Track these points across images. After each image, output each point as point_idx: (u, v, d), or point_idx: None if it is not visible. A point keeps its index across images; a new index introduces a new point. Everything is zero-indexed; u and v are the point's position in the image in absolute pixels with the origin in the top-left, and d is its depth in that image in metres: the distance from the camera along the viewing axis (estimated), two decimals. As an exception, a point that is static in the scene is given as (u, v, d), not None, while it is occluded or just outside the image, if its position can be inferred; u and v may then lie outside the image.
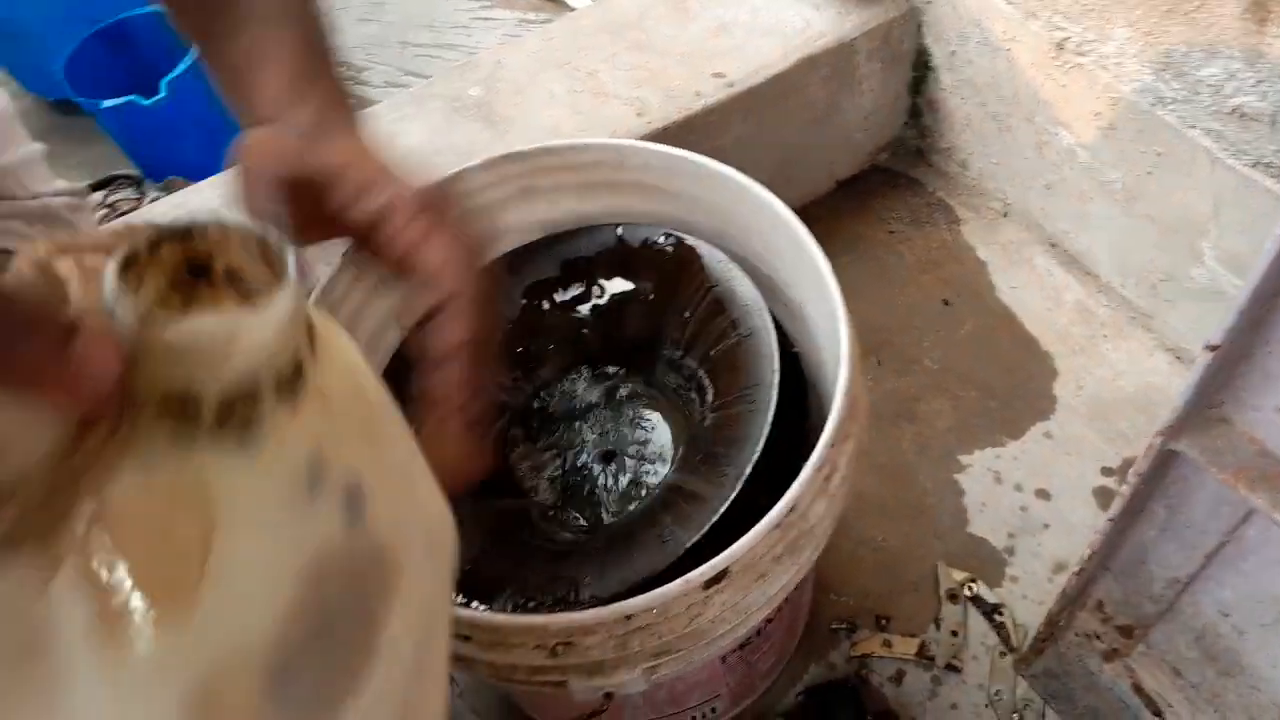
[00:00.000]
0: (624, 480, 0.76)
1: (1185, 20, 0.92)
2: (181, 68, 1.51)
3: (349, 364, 0.31)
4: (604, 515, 0.74)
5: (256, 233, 0.27)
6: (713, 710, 0.89)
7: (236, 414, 0.25)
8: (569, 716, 0.70)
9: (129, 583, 0.22)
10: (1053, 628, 0.85)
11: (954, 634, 0.99)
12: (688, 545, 0.60)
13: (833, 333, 0.64)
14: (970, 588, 1.02)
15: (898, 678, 0.98)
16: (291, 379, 0.26)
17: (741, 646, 0.78)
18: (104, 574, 0.22)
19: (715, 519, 0.60)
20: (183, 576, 0.23)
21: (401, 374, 0.78)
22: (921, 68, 1.29)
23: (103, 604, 0.22)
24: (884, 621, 1.02)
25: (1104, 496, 1.06)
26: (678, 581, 0.54)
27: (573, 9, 1.65)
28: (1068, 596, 0.79)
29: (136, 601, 0.22)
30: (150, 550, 0.23)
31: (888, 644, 1.00)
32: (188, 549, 0.24)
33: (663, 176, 0.79)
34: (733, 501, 0.61)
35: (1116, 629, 0.80)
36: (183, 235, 0.26)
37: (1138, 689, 0.82)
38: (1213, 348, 0.51)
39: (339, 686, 0.27)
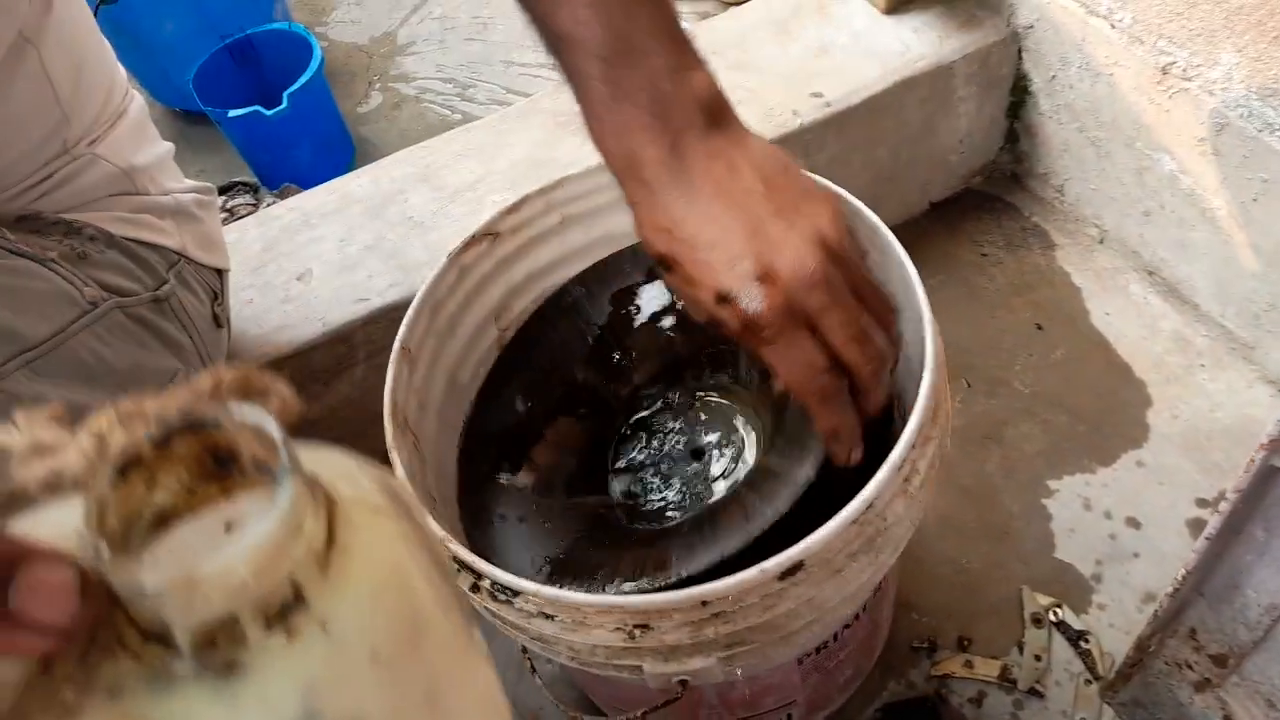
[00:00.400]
0: (714, 473, 0.78)
1: (1296, 46, 0.91)
2: (302, 80, 1.59)
3: (391, 562, 0.26)
4: (694, 504, 0.77)
5: (251, 421, 0.24)
6: (789, 718, 0.90)
7: (218, 649, 0.22)
8: (642, 707, 0.71)
9: None
10: (1142, 654, 0.84)
11: (1037, 658, 0.98)
12: (773, 519, 0.61)
13: (918, 338, 0.66)
14: (1055, 613, 1.01)
15: (978, 699, 0.98)
16: (284, 610, 0.23)
17: (818, 651, 0.79)
18: None
19: (799, 492, 0.62)
20: None
21: (498, 376, 0.82)
22: (1020, 92, 1.29)
23: None
24: (966, 642, 1.01)
25: (1197, 528, 1.04)
26: (753, 570, 0.55)
27: (671, 31, 1.69)
28: (1159, 621, 0.78)
29: None
30: None
31: (969, 665, 0.99)
32: None
33: None
34: (820, 485, 0.62)
35: (1209, 657, 0.79)
36: (193, 426, 0.23)
37: (1229, 720, 0.80)
38: (1317, 362, 0.51)
39: None
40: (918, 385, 0.62)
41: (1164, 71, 1.06)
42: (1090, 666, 0.97)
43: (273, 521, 0.22)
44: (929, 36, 1.21)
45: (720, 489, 0.77)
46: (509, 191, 1.09)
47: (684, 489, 0.78)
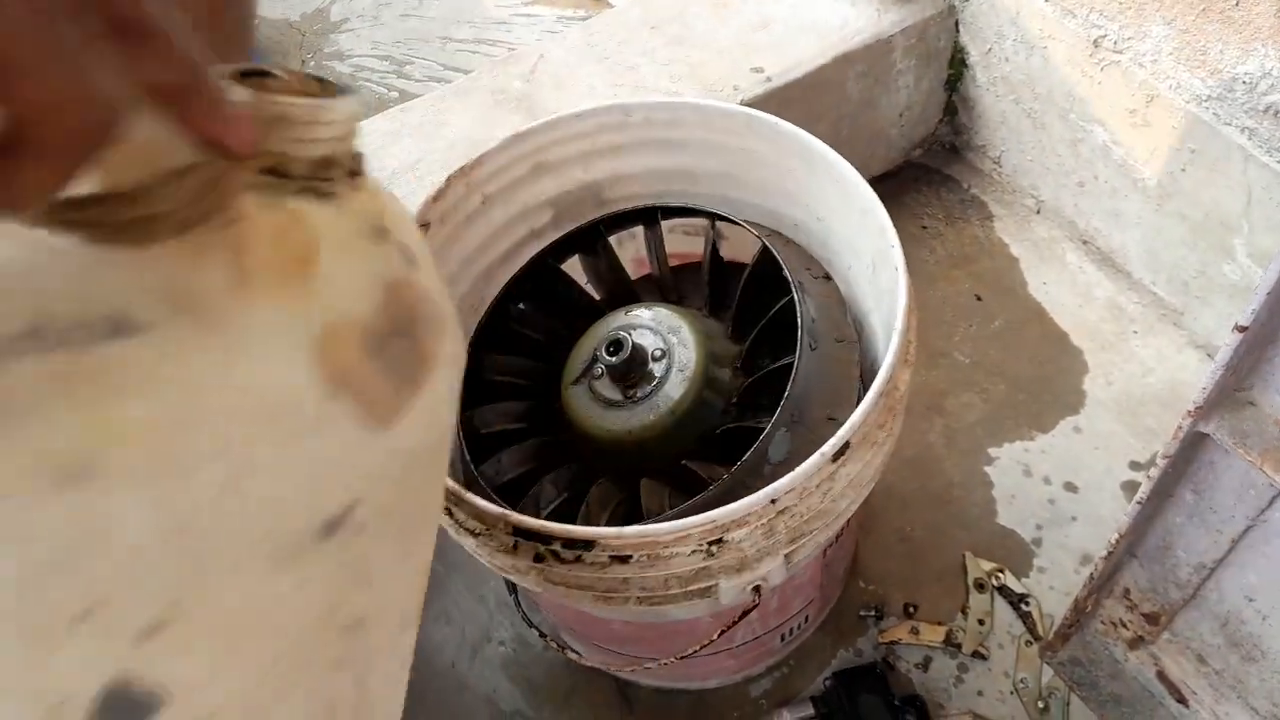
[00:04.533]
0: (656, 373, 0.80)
1: (1221, 18, 0.93)
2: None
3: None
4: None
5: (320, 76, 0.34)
6: (805, 619, 0.94)
7: (317, 179, 0.32)
8: (688, 645, 0.75)
9: (263, 257, 0.30)
10: (1079, 614, 0.86)
11: (981, 622, 1.01)
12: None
13: (889, 265, 0.71)
14: (997, 577, 1.03)
15: (925, 664, 1.00)
16: (353, 165, 0.34)
17: (832, 543, 0.83)
18: (242, 252, 0.29)
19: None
20: (300, 262, 0.31)
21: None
22: (957, 65, 1.30)
23: (242, 268, 0.29)
24: (912, 609, 1.03)
25: (1132, 490, 1.07)
26: (814, 456, 0.60)
27: (613, 5, 1.68)
28: (1095, 582, 0.81)
29: (266, 268, 0.30)
30: (275, 243, 0.30)
31: (915, 631, 1.01)
32: (300, 248, 0.31)
33: (665, 129, 0.83)
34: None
35: (1142, 616, 0.81)
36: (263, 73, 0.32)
37: (1162, 676, 0.83)
38: (1241, 329, 0.52)
39: (414, 370, 0.35)
40: (892, 292, 0.69)
41: (1095, 44, 1.08)
42: (1031, 628, 1.00)
43: (350, 103, 0.31)
44: (867, 10, 1.22)
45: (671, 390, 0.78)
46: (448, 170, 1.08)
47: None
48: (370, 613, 0.37)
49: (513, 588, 0.85)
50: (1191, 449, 0.63)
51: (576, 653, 0.88)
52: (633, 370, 0.76)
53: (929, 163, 1.42)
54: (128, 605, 0.27)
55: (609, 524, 0.67)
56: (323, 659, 0.35)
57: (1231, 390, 0.58)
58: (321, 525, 0.32)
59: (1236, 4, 0.90)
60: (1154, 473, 0.65)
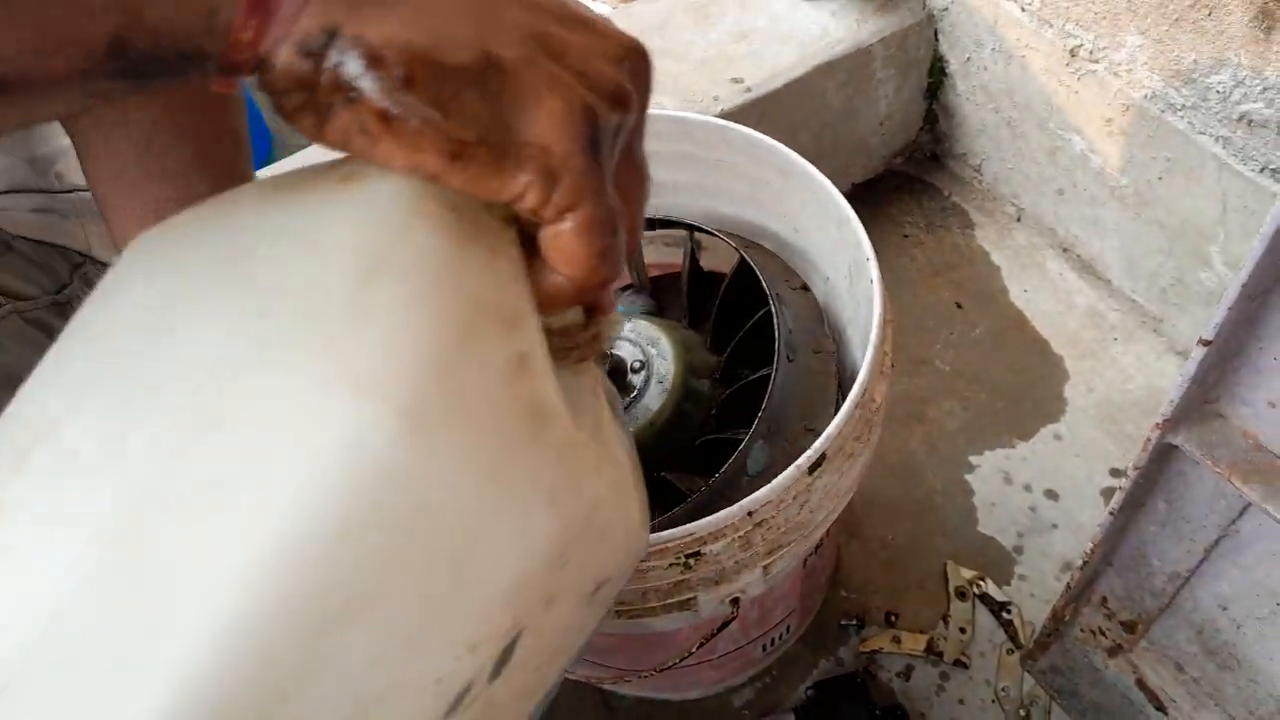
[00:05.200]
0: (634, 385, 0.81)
1: (1195, 29, 0.93)
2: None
3: None
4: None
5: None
6: (787, 629, 0.94)
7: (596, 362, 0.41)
8: (672, 654, 0.76)
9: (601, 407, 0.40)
10: (1058, 623, 0.86)
11: (962, 631, 1.01)
12: None
13: (864, 276, 0.72)
14: (979, 585, 1.04)
15: (906, 673, 1.00)
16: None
17: (812, 553, 0.84)
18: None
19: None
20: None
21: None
22: (937, 74, 1.31)
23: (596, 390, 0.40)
24: (893, 618, 1.03)
25: (1112, 497, 1.08)
26: (789, 469, 0.60)
27: (594, 15, 1.68)
28: (1072, 591, 0.81)
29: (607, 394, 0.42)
30: (585, 399, 0.38)
31: (896, 640, 1.02)
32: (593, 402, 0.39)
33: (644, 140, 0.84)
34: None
35: (1120, 624, 0.82)
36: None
37: (1141, 684, 0.83)
38: (1206, 342, 0.53)
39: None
40: (869, 303, 0.70)
41: (1072, 54, 1.08)
42: (1013, 636, 1.00)
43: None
44: (847, 20, 1.22)
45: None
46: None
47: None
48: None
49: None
50: (1162, 460, 0.63)
51: (557, 665, 0.88)
52: (612, 382, 0.76)
53: (910, 171, 1.43)
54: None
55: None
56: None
57: (1200, 403, 0.59)
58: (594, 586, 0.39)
59: (1209, 14, 0.91)
60: (1126, 483, 0.66)
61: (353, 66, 0.28)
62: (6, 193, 0.73)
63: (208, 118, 0.62)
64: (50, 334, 0.73)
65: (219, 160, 0.63)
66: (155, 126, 0.60)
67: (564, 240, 0.33)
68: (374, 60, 0.29)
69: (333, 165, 0.33)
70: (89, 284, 0.79)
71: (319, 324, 0.29)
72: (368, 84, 0.29)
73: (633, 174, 0.36)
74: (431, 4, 0.30)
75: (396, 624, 0.30)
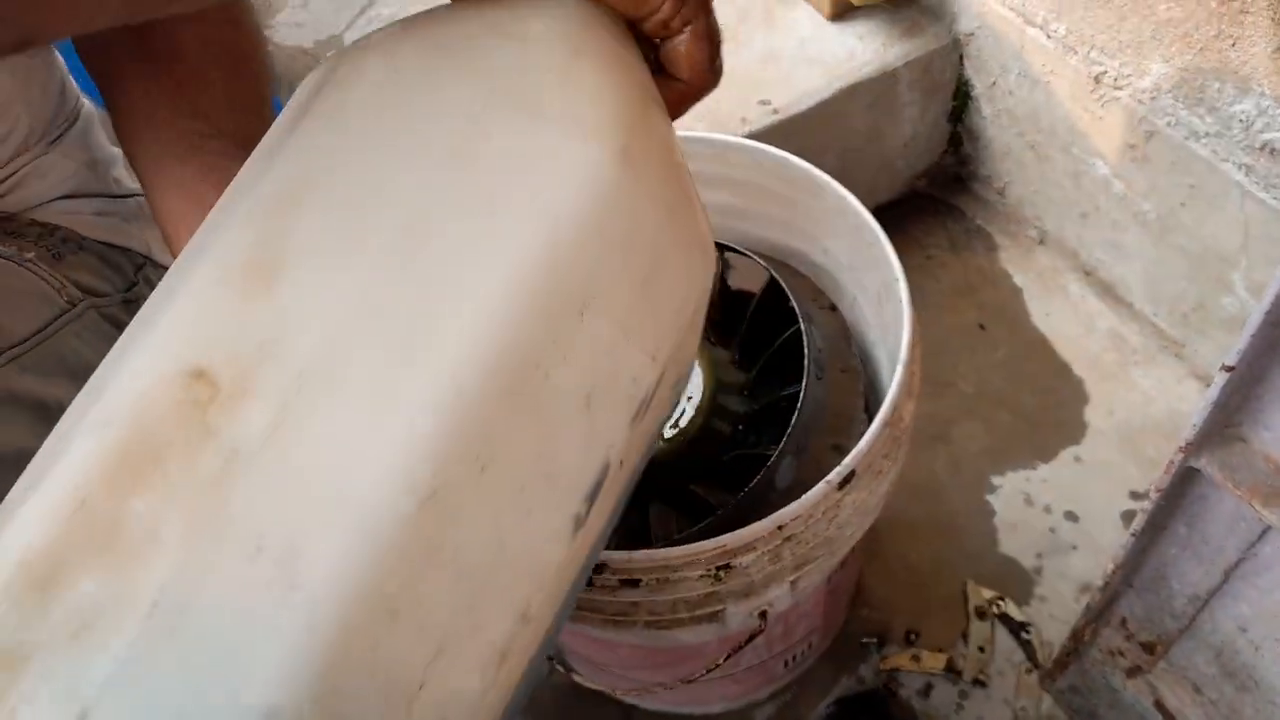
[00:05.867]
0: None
1: (1219, 58, 0.95)
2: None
3: None
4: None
5: None
6: (809, 646, 0.95)
7: None
8: (698, 667, 0.77)
9: None
10: (1077, 643, 0.87)
11: (981, 650, 1.02)
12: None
13: (894, 298, 0.73)
14: (998, 605, 1.05)
15: (925, 691, 1.01)
16: None
17: (837, 570, 0.83)
18: None
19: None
20: None
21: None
22: (962, 97, 1.33)
23: None
24: (913, 636, 1.04)
25: (1132, 520, 1.08)
26: (819, 485, 0.62)
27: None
28: (1092, 612, 0.82)
29: None
30: None
31: (916, 658, 1.03)
32: None
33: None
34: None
35: (1139, 645, 0.83)
36: None
37: (1159, 706, 0.84)
38: (1229, 369, 0.54)
39: None
40: (897, 323, 0.72)
41: (1097, 80, 1.10)
42: (1031, 656, 1.01)
43: None
44: (873, 43, 1.24)
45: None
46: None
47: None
48: None
49: (520, 610, 0.86)
50: (1183, 483, 0.64)
51: (581, 676, 0.90)
52: None
53: (934, 193, 1.44)
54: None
55: (618, 549, 0.69)
56: None
57: (1221, 427, 0.60)
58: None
59: (1233, 44, 0.93)
60: (1147, 506, 0.67)
61: None
62: (71, 197, 0.76)
63: (234, 57, 0.66)
64: (121, 329, 0.76)
65: (248, 94, 0.66)
66: (187, 68, 0.64)
67: (690, 46, 0.42)
68: None
69: None
70: (151, 284, 0.82)
71: (543, 88, 0.37)
72: None
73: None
74: None
75: (617, 320, 0.37)
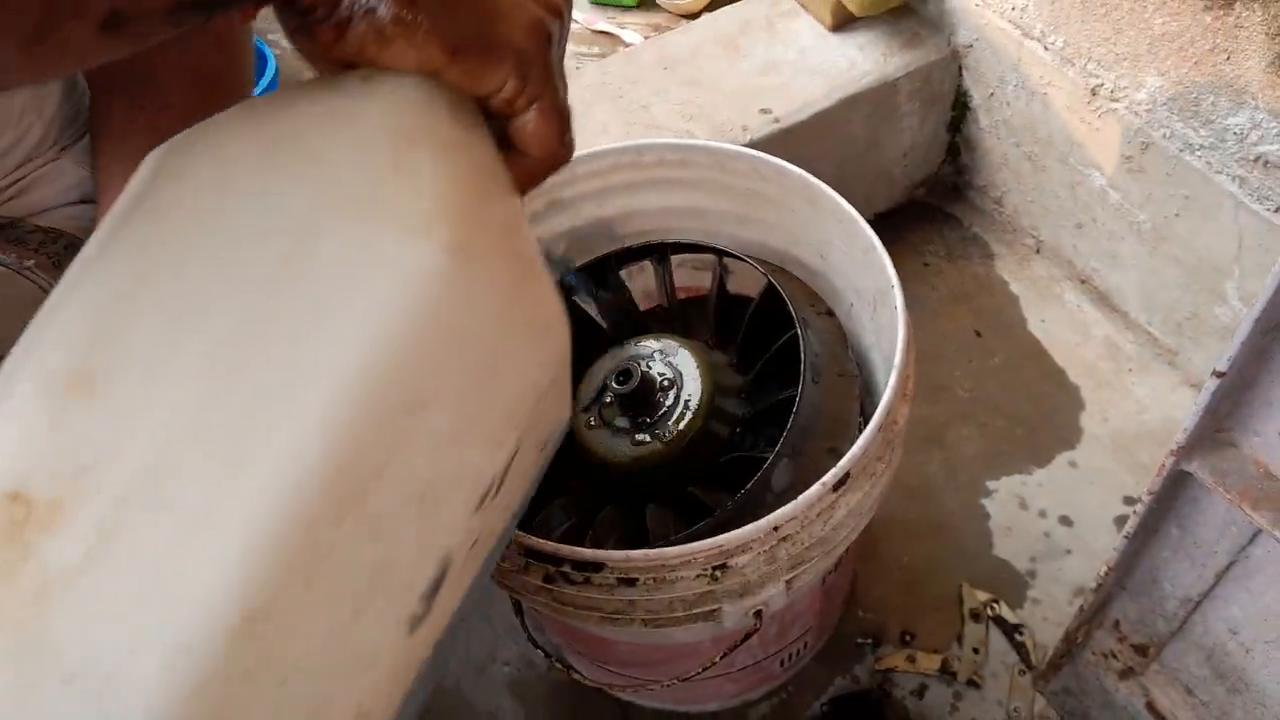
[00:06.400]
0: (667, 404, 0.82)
1: (1214, 71, 0.96)
2: (257, 91, 1.59)
3: None
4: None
5: None
6: (804, 646, 0.96)
7: None
8: (694, 665, 0.78)
9: None
10: (1070, 645, 0.88)
11: (975, 651, 1.03)
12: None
13: (889, 304, 0.75)
14: (993, 608, 1.06)
15: (920, 692, 1.02)
16: None
17: (831, 571, 0.86)
18: None
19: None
20: None
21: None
22: (960, 108, 1.34)
23: None
24: (908, 637, 1.06)
25: (1124, 525, 1.10)
26: (814, 487, 0.63)
27: (627, 44, 1.72)
28: (1085, 614, 0.83)
29: None
30: None
31: (911, 659, 1.04)
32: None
33: (676, 169, 0.88)
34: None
35: (1132, 647, 0.84)
36: None
37: (1151, 707, 0.85)
38: (1219, 374, 0.55)
39: None
40: (892, 329, 0.72)
41: (1093, 92, 1.11)
42: (1025, 658, 1.02)
43: None
44: (874, 54, 1.26)
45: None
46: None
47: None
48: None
49: (518, 609, 0.87)
50: (1175, 486, 0.65)
51: (580, 674, 0.91)
52: (641, 400, 0.79)
53: (932, 201, 1.46)
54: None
55: (616, 549, 0.70)
56: None
57: (1212, 431, 0.61)
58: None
59: (1228, 58, 0.94)
60: (1140, 508, 0.68)
61: None
62: (80, 203, 0.77)
63: (210, 81, 0.67)
64: None
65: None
66: (155, 87, 0.65)
67: (534, 126, 0.42)
68: None
69: (344, 75, 0.39)
70: None
71: (374, 183, 0.36)
72: (384, 2, 0.36)
73: (561, 75, 0.44)
74: None
75: (449, 417, 0.37)
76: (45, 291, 0.69)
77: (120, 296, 0.35)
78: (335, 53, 0.37)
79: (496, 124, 0.42)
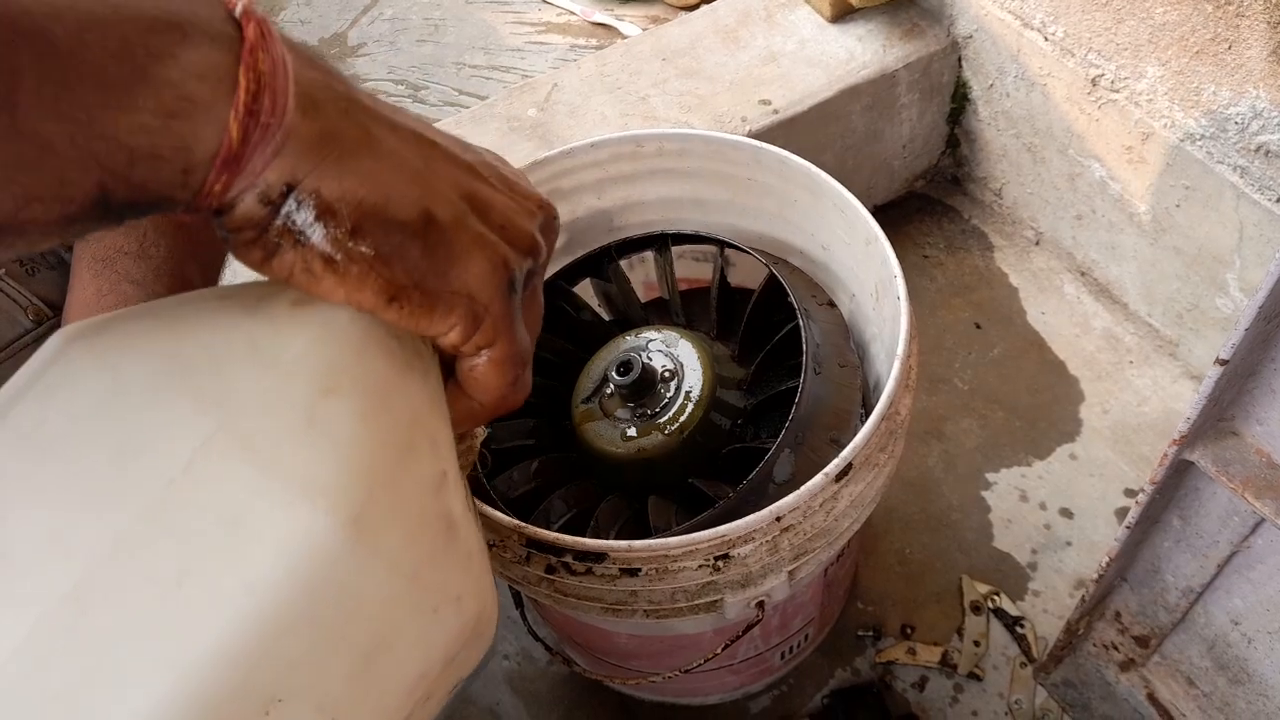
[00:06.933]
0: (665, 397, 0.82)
1: (1214, 61, 0.96)
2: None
3: None
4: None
5: None
6: (805, 638, 0.96)
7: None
8: (691, 658, 0.77)
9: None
10: (1072, 636, 0.88)
11: (976, 644, 1.03)
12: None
13: (891, 295, 0.74)
14: (993, 600, 1.06)
15: (921, 684, 1.02)
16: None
17: (833, 562, 0.86)
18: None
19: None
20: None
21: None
22: (960, 99, 1.34)
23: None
24: (909, 630, 1.05)
25: (1125, 517, 1.10)
26: (817, 477, 0.63)
27: (625, 36, 1.72)
28: (1086, 605, 0.83)
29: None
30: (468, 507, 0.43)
31: (912, 651, 1.04)
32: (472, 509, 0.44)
33: (676, 159, 0.88)
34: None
35: (1133, 639, 0.84)
36: None
37: (1152, 699, 0.85)
38: (1222, 362, 0.55)
39: None
40: (894, 320, 0.72)
41: (1093, 83, 1.11)
42: (1026, 650, 1.02)
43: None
44: (873, 45, 1.25)
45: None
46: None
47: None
48: None
49: (519, 601, 0.87)
50: (1177, 476, 0.65)
51: (581, 667, 0.91)
52: (642, 391, 0.79)
53: (931, 193, 1.46)
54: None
55: (618, 539, 0.70)
56: None
57: (1215, 420, 0.61)
58: None
59: (1229, 48, 0.94)
60: (1142, 498, 0.68)
61: (304, 216, 0.32)
62: None
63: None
64: None
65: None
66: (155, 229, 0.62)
67: (481, 372, 0.39)
68: (325, 212, 0.32)
69: (277, 293, 0.36)
70: None
71: (278, 434, 0.32)
72: (316, 233, 0.33)
73: (534, 306, 0.42)
74: (385, 165, 0.34)
75: (320, 710, 0.33)
76: (14, 301, 0.68)
77: None
78: (262, 273, 0.34)
79: (445, 356, 0.40)
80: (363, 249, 0.33)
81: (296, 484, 0.32)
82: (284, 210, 0.32)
